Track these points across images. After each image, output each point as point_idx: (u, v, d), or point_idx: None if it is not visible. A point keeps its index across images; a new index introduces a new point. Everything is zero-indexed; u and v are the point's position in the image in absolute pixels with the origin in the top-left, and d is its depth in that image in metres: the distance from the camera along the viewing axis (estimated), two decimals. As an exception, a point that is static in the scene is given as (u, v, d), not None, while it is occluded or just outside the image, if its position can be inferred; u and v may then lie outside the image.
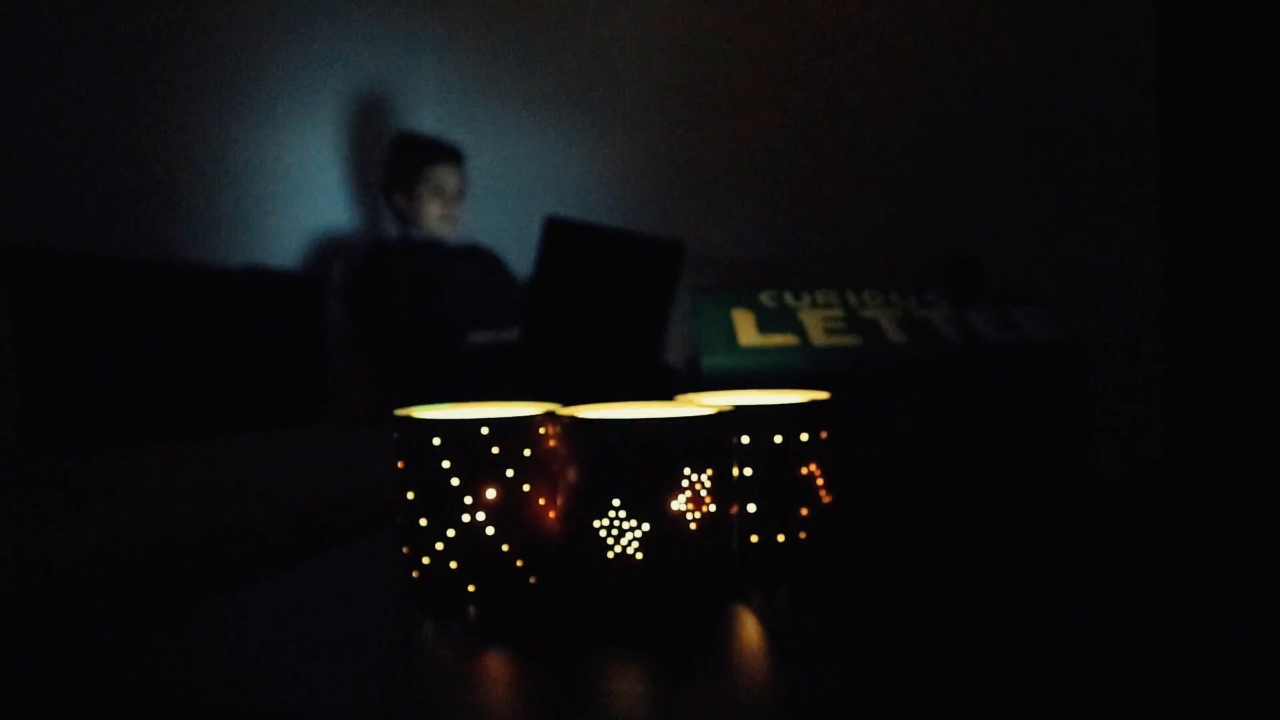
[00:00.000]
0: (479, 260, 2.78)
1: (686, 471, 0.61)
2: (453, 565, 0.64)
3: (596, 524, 0.62)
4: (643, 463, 0.61)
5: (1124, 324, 2.28)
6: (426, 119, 2.96)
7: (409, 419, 0.65)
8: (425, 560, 0.65)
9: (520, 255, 2.73)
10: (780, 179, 2.86)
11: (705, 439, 0.62)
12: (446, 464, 0.64)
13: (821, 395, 0.75)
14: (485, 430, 0.64)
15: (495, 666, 0.57)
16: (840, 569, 0.73)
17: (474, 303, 2.66)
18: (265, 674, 0.54)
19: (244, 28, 2.71)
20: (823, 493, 0.73)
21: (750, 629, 0.61)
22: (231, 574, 1.15)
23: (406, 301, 2.57)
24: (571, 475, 0.63)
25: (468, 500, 0.64)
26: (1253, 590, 0.67)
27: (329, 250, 2.85)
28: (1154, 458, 1.90)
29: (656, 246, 2.58)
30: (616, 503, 0.61)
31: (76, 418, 1.98)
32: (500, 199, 2.95)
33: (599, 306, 2.55)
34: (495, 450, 0.64)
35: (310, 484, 1.51)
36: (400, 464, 0.66)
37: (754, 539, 0.71)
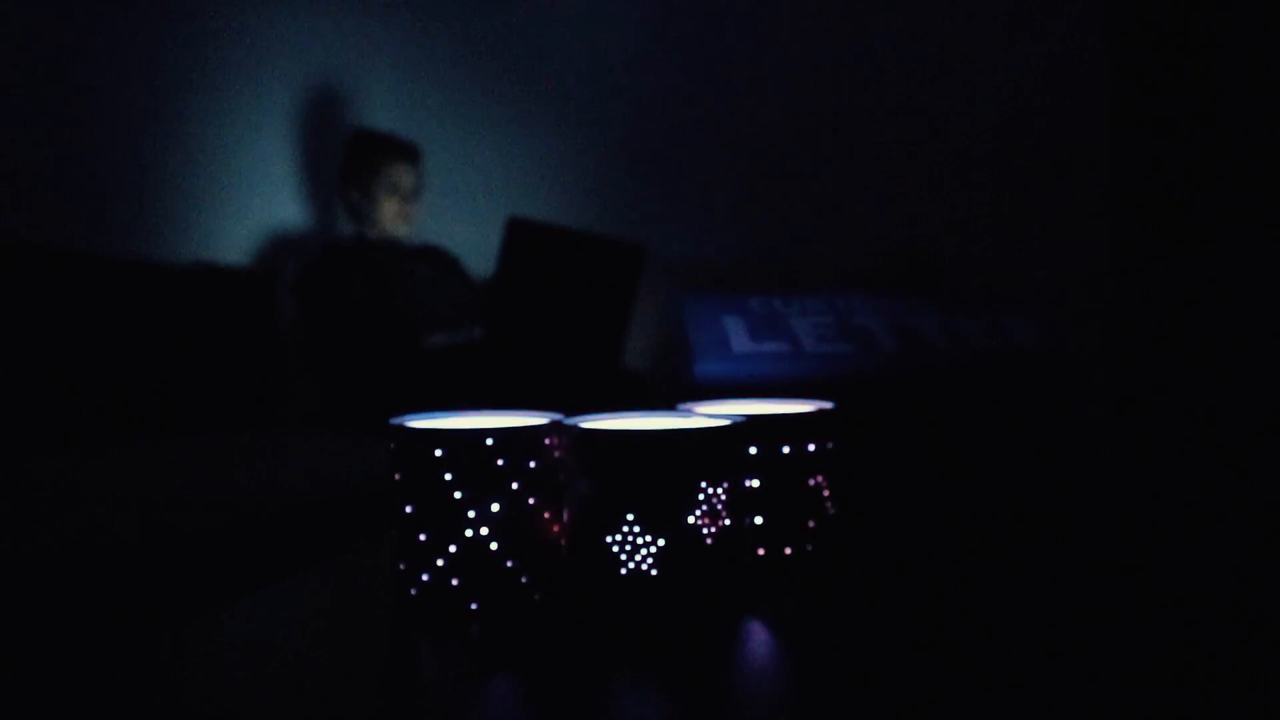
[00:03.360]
0: (434, 260, 2.72)
1: (703, 484, 0.59)
2: (454, 583, 0.61)
3: (609, 539, 0.59)
4: (659, 476, 0.58)
5: (1079, 329, 2.31)
6: (383, 115, 2.90)
7: (408, 429, 0.62)
8: (424, 577, 0.62)
9: (477, 255, 2.69)
10: (744, 182, 2.85)
11: (722, 450, 0.60)
12: (449, 476, 0.60)
13: (826, 404, 0.73)
14: (490, 441, 0.61)
15: (499, 691, 0.54)
16: (846, 582, 0.71)
17: (429, 303, 2.61)
18: (249, 708, 0.51)
19: (195, 18, 2.63)
20: (829, 504, 0.71)
21: (767, 647, 0.59)
22: (176, 590, 1.10)
23: (361, 301, 2.52)
24: (582, 488, 0.60)
25: (470, 514, 0.61)
26: (1249, 589, 0.67)
27: (281, 247, 2.78)
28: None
29: (617, 249, 2.56)
30: (630, 517, 0.58)
31: (11, 417, 1.90)
32: (458, 198, 2.90)
33: (559, 308, 2.52)
34: (500, 462, 0.61)
35: (261, 490, 1.46)
36: (397, 476, 0.62)
37: (761, 552, 0.69)
